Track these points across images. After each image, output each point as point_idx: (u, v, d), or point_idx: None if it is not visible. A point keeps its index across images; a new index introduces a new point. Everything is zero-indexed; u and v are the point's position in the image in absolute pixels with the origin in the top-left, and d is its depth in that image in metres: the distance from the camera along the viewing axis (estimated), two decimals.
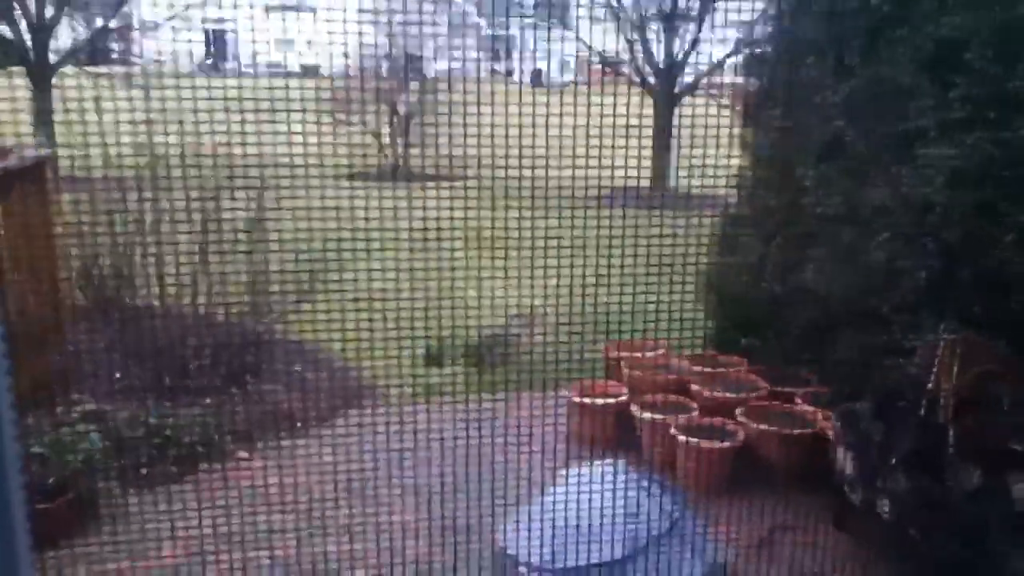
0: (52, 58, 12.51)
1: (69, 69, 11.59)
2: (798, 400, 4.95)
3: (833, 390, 4.63)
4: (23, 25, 12.45)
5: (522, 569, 3.53)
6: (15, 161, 5.03)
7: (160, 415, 4.77)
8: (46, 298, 4.98)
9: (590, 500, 3.53)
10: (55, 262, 5.11)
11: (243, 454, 4.79)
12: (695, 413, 4.94)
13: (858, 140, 4.42)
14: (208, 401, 5.18)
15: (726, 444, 4.65)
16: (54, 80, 11.45)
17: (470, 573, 3.66)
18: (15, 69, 11.56)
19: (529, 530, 3.53)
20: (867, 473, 3.66)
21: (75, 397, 5.09)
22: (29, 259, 4.96)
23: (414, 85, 12.16)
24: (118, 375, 5.33)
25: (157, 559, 3.71)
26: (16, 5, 12.27)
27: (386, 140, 12.26)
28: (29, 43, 12.40)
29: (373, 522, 3.95)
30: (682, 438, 4.66)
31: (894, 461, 3.44)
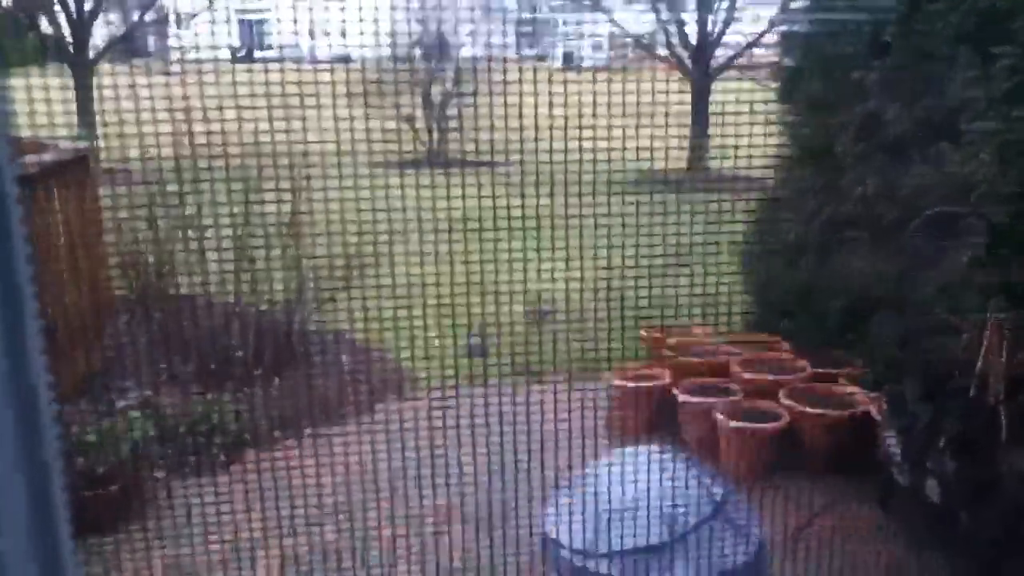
0: (91, 52, 12.68)
1: (108, 62, 11.76)
2: (841, 381, 4.89)
3: (879, 371, 4.57)
4: (62, 19, 12.63)
5: (564, 552, 3.54)
6: (58, 155, 5.13)
7: (205, 404, 4.85)
8: (91, 290, 5.08)
9: (635, 483, 3.52)
10: (100, 254, 5.20)
11: (288, 442, 4.85)
12: (738, 396, 4.90)
13: (900, 117, 4.33)
14: (252, 390, 5.25)
15: (770, 426, 4.62)
16: (94, 73, 11.61)
17: (512, 556, 3.68)
18: (56, 64, 11.74)
19: (571, 514, 3.53)
20: (915, 455, 3.61)
21: (122, 386, 5.21)
22: (73, 251, 5.06)
23: (448, 72, 12.15)
24: (163, 365, 5.43)
25: (207, 545, 3.78)
26: (56, 0, 12.46)
27: (421, 127, 12.27)
28: (69, 37, 12.58)
29: (416, 508, 3.99)
30: (727, 421, 4.63)
31: (943, 443, 3.39)
